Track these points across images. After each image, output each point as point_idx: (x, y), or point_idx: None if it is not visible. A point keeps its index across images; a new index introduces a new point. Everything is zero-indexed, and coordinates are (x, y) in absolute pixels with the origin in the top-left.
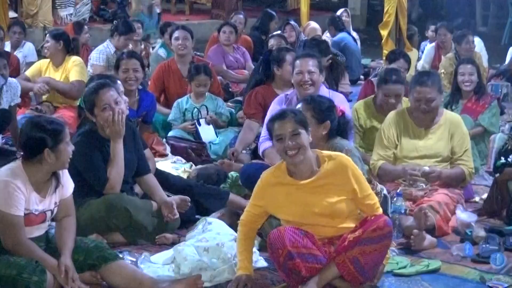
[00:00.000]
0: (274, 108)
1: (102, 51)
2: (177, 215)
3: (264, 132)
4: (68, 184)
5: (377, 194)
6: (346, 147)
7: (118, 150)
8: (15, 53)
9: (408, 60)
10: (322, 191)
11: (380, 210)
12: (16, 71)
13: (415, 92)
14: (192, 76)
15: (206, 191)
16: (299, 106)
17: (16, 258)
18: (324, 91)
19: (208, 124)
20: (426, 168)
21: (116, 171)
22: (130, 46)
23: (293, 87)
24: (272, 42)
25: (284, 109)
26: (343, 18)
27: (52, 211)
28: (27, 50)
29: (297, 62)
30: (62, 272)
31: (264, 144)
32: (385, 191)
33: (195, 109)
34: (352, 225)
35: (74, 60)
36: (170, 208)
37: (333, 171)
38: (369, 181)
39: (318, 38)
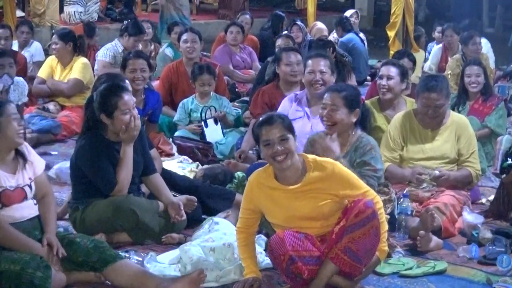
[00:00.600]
0: (284, 106)
1: (110, 49)
2: (184, 216)
3: None
4: (38, 163)
5: (390, 200)
6: (371, 142)
7: (128, 153)
8: (22, 52)
9: (412, 60)
10: (307, 197)
11: (367, 189)
12: (23, 71)
13: (423, 98)
14: (196, 75)
15: (212, 192)
16: (326, 95)
17: (20, 253)
18: None
19: (216, 123)
20: (436, 172)
21: (125, 174)
22: (140, 46)
23: (300, 87)
24: (279, 42)
25: (271, 114)
26: (353, 19)
27: (30, 187)
28: (34, 49)
29: (309, 61)
30: (44, 246)
31: None
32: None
33: (204, 108)
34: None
35: (80, 60)
36: (177, 209)
37: (320, 178)
38: (386, 186)
39: (324, 38)
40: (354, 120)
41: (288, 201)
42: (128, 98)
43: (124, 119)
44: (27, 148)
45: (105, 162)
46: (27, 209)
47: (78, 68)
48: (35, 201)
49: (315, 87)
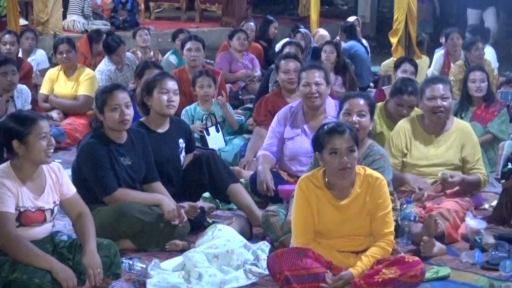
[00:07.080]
0: (277, 121)
1: (104, 72)
2: (185, 218)
3: (268, 140)
4: (69, 185)
5: (395, 209)
6: (381, 151)
7: (159, 200)
8: (27, 59)
9: (413, 64)
10: (355, 213)
11: (391, 231)
12: (26, 77)
13: (427, 91)
14: (195, 80)
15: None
16: (352, 101)
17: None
18: (331, 102)
19: (218, 131)
20: (447, 174)
21: (135, 198)
22: (139, 53)
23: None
24: (288, 50)
25: (340, 122)
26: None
27: (52, 211)
28: (39, 57)
29: (303, 74)
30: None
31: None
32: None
33: (206, 116)
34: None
35: (87, 73)
36: (178, 212)
37: (370, 191)
38: (391, 194)
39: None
40: (371, 127)
41: (337, 214)
42: (120, 95)
43: (112, 116)
44: (59, 169)
45: (105, 163)
46: (44, 231)
47: (86, 84)
48: (52, 223)
49: (311, 100)
